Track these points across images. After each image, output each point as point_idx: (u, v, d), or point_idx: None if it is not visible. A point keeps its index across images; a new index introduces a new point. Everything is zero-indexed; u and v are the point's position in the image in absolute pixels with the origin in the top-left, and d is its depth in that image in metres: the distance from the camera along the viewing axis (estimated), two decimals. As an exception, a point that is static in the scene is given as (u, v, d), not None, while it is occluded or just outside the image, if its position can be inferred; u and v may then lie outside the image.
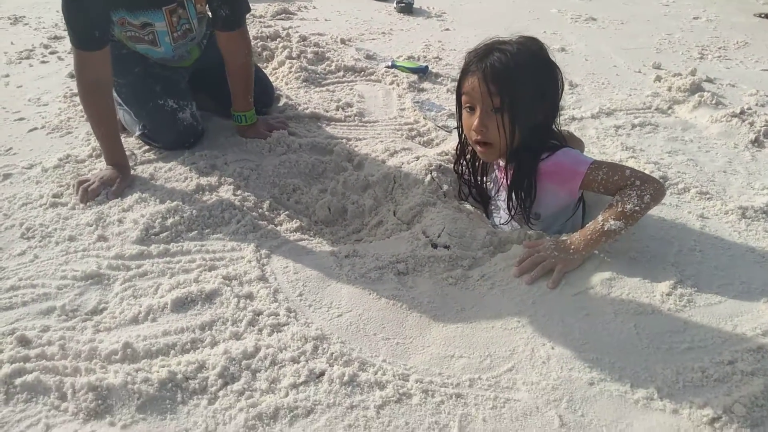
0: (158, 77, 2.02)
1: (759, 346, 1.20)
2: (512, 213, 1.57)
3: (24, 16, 3.45)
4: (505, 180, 1.58)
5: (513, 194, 1.53)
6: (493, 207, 1.74)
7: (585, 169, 1.43)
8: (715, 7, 4.86)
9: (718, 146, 2.19)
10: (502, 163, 1.58)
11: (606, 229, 1.36)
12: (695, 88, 2.67)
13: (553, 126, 1.54)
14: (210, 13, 2.01)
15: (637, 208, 1.35)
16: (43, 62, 2.81)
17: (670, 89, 2.71)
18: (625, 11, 4.56)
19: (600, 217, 1.39)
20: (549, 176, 1.49)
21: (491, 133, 1.44)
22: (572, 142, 1.65)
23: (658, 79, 2.86)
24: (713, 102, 2.52)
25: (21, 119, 2.23)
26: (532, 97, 1.43)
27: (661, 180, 1.43)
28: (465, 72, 1.47)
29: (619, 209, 1.36)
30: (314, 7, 4.06)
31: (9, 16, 3.43)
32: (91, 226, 1.61)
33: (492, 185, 1.72)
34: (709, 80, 2.91)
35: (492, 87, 1.40)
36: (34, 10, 3.58)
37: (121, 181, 1.75)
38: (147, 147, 2.00)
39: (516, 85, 1.39)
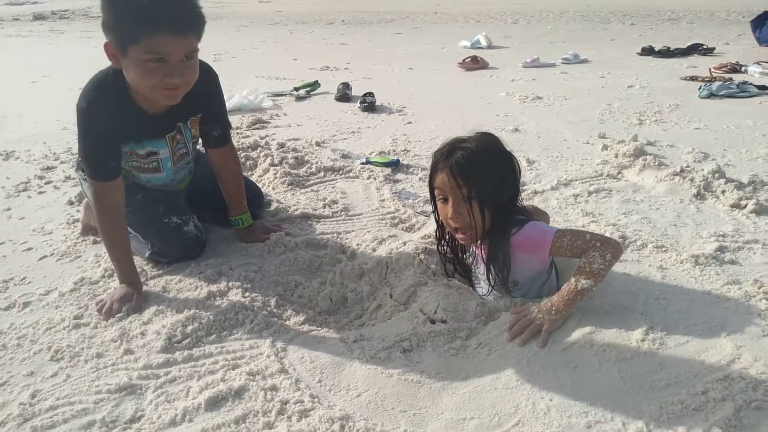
0: (159, 200, 2.21)
1: (726, 375, 1.39)
2: (492, 283, 1.77)
3: (14, 151, 3.65)
4: (480, 255, 1.78)
5: (491, 267, 1.74)
6: (474, 279, 1.94)
7: (551, 238, 1.64)
8: (646, 74, 5.38)
9: (666, 203, 2.46)
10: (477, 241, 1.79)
11: (579, 288, 1.56)
12: (639, 153, 2.99)
13: (518, 203, 1.78)
14: (200, 137, 2.24)
15: (602, 266, 1.56)
16: (41, 192, 2.98)
17: (616, 156, 3.03)
18: (567, 87, 5.01)
19: (573, 279, 1.60)
20: (520, 247, 1.69)
21: (465, 219, 1.65)
22: (537, 215, 1.88)
23: (605, 147, 3.18)
24: (656, 164, 2.82)
25: (29, 249, 2.37)
26: (495, 183, 1.65)
27: (618, 239, 1.65)
28: (434, 169, 1.70)
29: (587, 269, 1.57)
30: (285, 114, 4.38)
31: (1, 152, 3.62)
32: (116, 342, 1.73)
33: (471, 260, 1.92)
34: (650, 143, 3.25)
35: (460, 180, 1.62)
36: (22, 144, 3.79)
37: (137, 297, 1.90)
38: (155, 264, 2.16)
39: (479, 176, 1.62)
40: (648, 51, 6.67)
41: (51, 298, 2.00)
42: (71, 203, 2.79)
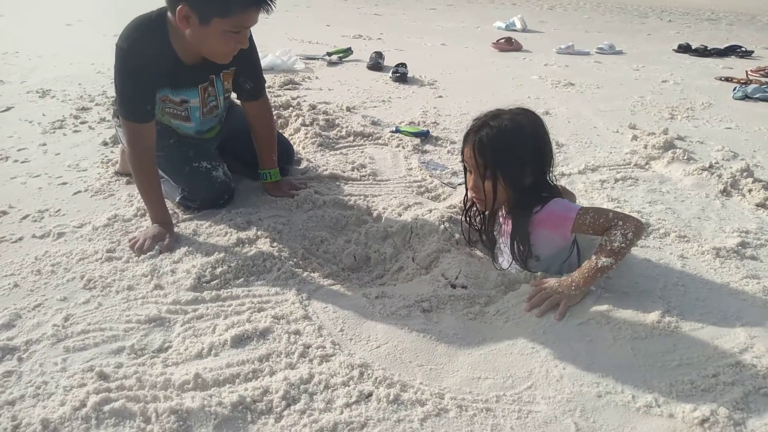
0: (190, 145, 2.26)
1: (737, 361, 1.43)
2: (514, 257, 1.80)
3: (50, 89, 3.72)
4: (506, 229, 1.82)
5: (514, 242, 1.77)
6: (497, 251, 1.97)
7: (574, 215, 1.66)
8: (681, 71, 5.31)
9: (692, 196, 2.47)
10: (503, 214, 1.83)
11: (599, 266, 1.60)
12: (668, 146, 2.99)
13: (549, 180, 1.80)
14: (233, 90, 2.29)
15: (623, 245, 1.59)
16: (76, 131, 3.04)
17: (645, 147, 3.03)
18: (600, 76, 4.97)
19: (593, 257, 1.63)
20: (543, 224, 1.72)
21: (482, 192, 1.71)
22: (565, 194, 1.91)
23: (635, 138, 3.18)
24: (685, 158, 2.82)
25: (64, 183, 2.44)
26: (516, 166, 1.67)
27: (639, 218, 1.66)
28: (465, 139, 1.73)
29: (608, 248, 1.60)
30: (317, 77, 4.40)
31: (37, 90, 3.69)
32: (146, 277, 1.80)
33: (498, 232, 1.96)
34: (680, 138, 3.24)
35: (479, 159, 1.67)
36: (58, 84, 3.85)
37: (170, 236, 1.96)
38: (185, 209, 2.22)
39: (500, 157, 1.65)
40: (684, 48, 6.57)
41: (84, 231, 2.07)
42: (105, 144, 2.85)
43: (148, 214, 2.08)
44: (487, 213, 1.83)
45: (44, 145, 2.84)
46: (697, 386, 1.35)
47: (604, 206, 2.32)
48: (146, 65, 1.94)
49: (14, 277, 1.79)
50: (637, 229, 1.61)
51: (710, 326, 1.57)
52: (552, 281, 1.68)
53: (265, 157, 2.34)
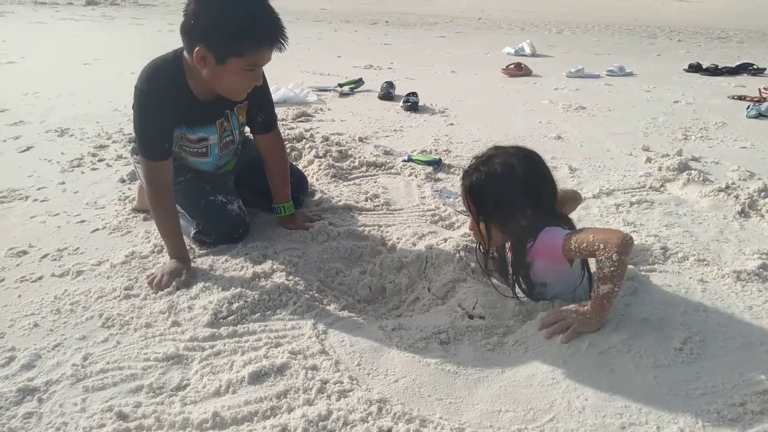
0: (207, 179, 2.30)
1: (764, 389, 1.39)
2: (520, 287, 1.79)
3: (69, 128, 3.80)
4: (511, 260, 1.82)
5: (517, 273, 1.78)
6: (511, 280, 1.96)
7: (561, 242, 1.64)
8: (693, 91, 5.30)
9: (710, 218, 2.44)
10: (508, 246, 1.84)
11: (601, 293, 1.57)
12: (683, 167, 2.97)
13: (554, 210, 1.76)
14: (247, 123, 2.34)
15: (612, 268, 1.52)
16: (94, 169, 3.09)
17: (660, 169, 3.01)
18: (611, 99, 4.97)
19: (595, 286, 1.61)
20: (538, 254, 1.71)
21: (479, 234, 1.74)
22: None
23: (649, 160, 3.16)
24: (701, 179, 2.80)
25: (82, 221, 2.48)
26: (505, 212, 1.69)
27: (622, 231, 1.56)
28: (461, 181, 1.75)
29: (601, 275, 1.56)
30: (329, 109, 4.45)
31: (56, 129, 3.77)
32: (164, 314, 1.81)
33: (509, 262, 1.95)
34: (695, 159, 3.22)
35: (471, 205, 1.72)
36: (76, 123, 3.94)
37: (186, 272, 1.98)
38: (201, 244, 2.23)
39: (488, 204, 1.68)
40: (695, 68, 6.56)
41: (103, 269, 2.09)
42: (123, 181, 2.89)
43: (165, 250, 2.11)
44: (493, 249, 1.83)
45: (63, 183, 2.89)
46: (723, 416, 1.33)
47: (621, 230, 2.30)
48: (164, 105, 2.00)
49: (34, 316, 1.81)
50: (621, 247, 1.51)
51: (734, 352, 1.54)
52: (571, 307, 1.67)
53: (279, 190, 2.37)
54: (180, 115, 2.07)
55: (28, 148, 3.42)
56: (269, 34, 1.86)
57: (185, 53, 1.96)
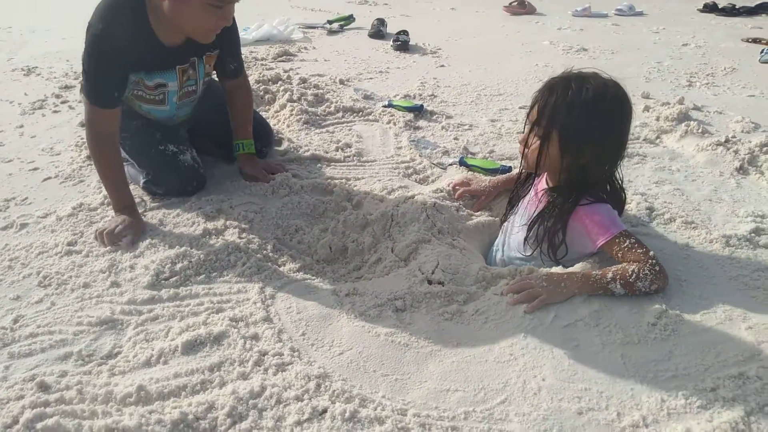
0: (158, 127, 2.12)
1: (740, 372, 1.27)
2: (537, 241, 1.64)
3: (36, 67, 3.60)
4: (536, 203, 1.67)
5: (537, 223, 1.61)
6: (507, 227, 1.81)
7: (615, 232, 1.51)
8: (704, 33, 4.99)
9: (704, 175, 2.26)
10: (541, 187, 1.68)
11: (609, 287, 1.45)
12: (682, 117, 2.76)
13: (612, 179, 1.63)
14: (216, 70, 2.17)
15: (644, 289, 1.45)
16: (55, 112, 2.93)
17: (658, 119, 2.80)
18: (616, 40, 4.68)
19: (609, 275, 1.46)
20: (582, 219, 1.56)
21: (529, 149, 1.59)
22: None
23: (647, 108, 2.95)
24: (699, 131, 2.60)
25: (35, 169, 2.34)
26: (573, 140, 1.51)
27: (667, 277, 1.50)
28: (538, 92, 1.59)
29: (630, 280, 1.44)
30: (314, 48, 4.21)
31: (23, 68, 3.57)
32: (104, 273, 1.69)
33: (521, 204, 1.78)
34: (697, 108, 3.00)
35: (540, 118, 1.54)
36: (46, 60, 3.73)
37: (137, 225, 1.84)
38: (151, 195, 2.09)
39: (561, 126, 1.51)
40: (710, 8, 6.18)
41: (48, 222, 1.97)
42: (83, 125, 2.72)
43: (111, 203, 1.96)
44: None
45: (21, 127, 2.74)
46: (691, 403, 1.20)
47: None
48: (119, 48, 1.81)
49: (-31, 274, 1.69)
50: (662, 285, 1.49)
51: (713, 329, 1.40)
52: (542, 272, 1.54)
53: (240, 128, 2.21)
54: (138, 60, 1.89)
55: (-10, 89, 3.25)
56: None
57: None
